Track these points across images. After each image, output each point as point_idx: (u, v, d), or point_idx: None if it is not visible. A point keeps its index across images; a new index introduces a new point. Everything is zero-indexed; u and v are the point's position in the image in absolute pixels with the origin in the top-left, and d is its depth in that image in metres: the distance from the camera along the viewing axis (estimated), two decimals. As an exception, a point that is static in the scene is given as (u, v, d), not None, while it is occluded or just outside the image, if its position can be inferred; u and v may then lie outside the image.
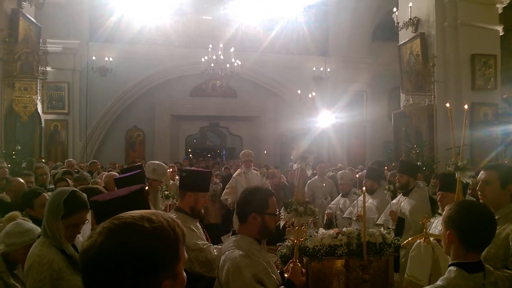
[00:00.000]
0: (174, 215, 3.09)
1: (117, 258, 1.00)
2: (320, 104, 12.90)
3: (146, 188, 3.69)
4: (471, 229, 1.88)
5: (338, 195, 6.73)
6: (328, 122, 12.67)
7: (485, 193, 2.76)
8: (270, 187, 6.04)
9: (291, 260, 2.53)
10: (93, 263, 1.02)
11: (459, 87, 8.88)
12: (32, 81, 9.17)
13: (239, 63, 12.04)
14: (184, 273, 1.16)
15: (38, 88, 9.31)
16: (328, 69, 14.20)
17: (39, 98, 9.52)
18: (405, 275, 2.93)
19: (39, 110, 11.11)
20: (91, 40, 12.67)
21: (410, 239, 2.95)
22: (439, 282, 1.86)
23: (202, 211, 3.26)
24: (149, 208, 1.93)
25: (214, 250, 2.99)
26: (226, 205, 7.78)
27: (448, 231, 1.93)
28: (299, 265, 2.48)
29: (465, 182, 3.08)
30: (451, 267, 1.89)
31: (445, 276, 1.88)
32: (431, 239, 2.86)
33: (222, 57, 11.73)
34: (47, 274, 2.21)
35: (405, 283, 2.89)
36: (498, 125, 8.04)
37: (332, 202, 6.73)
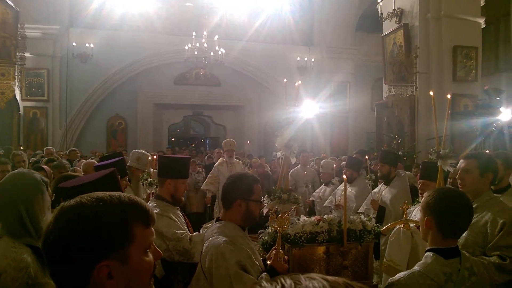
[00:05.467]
0: (154, 203, 3.08)
1: (53, 239, 1.01)
2: (304, 94, 12.92)
3: (127, 178, 3.63)
4: (448, 216, 1.90)
5: (321, 184, 6.79)
6: (312, 112, 12.68)
7: (465, 182, 2.79)
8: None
9: (273, 247, 2.53)
10: (42, 246, 1.05)
11: (440, 78, 8.98)
12: (9, 67, 8.92)
13: (223, 51, 11.92)
14: (147, 259, 1.10)
15: (16, 74, 9.07)
16: (313, 59, 14.19)
17: (17, 84, 9.28)
18: (384, 259, 2.96)
19: (17, 97, 10.86)
20: (71, 26, 12.34)
21: (389, 224, 2.99)
22: (416, 267, 1.88)
23: (183, 198, 3.23)
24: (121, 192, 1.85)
25: (191, 239, 2.97)
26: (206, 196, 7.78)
27: (426, 218, 1.96)
28: (282, 252, 2.48)
29: (446, 170, 3.12)
30: (428, 253, 1.92)
31: (422, 261, 1.91)
32: (411, 225, 2.90)
33: (205, 45, 11.60)
34: (23, 280, 1.93)
35: (384, 268, 2.93)
36: (478, 116, 8.14)
37: (316, 191, 6.79)
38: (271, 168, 9.62)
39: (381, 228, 2.89)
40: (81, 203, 1.05)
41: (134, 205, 1.09)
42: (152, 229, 1.13)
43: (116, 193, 1.09)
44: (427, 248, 1.96)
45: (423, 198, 2.05)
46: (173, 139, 18.89)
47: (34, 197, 2.10)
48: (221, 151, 8.95)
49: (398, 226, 2.92)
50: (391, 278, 1.91)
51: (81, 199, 1.06)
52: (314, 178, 7.55)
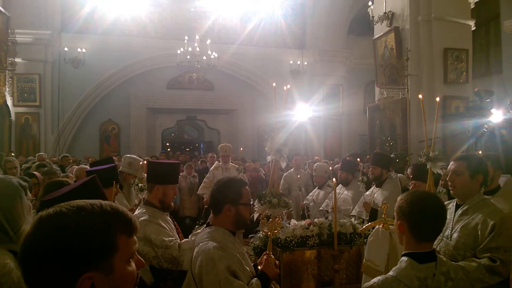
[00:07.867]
0: (143, 210, 3.05)
1: (32, 251, 0.97)
2: (297, 98, 12.94)
3: (117, 184, 3.60)
4: (420, 220, 1.85)
5: (314, 187, 6.78)
6: (305, 115, 12.72)
7: (455, 183, 2.79)
8: (247, 181, 6.02)
9: (264, 252, 2.52)
10: (20, 258, 0.99)
11: (432, 81, 9.03)
12: (0, 73, 8.86)
13: (216, 55, 11.92)
14: (130, 268, 1.07)
15: (6, 80, 9.02)
16: (305, 63, 14.24)
17: (7, 90, 9.22)
18: (364, 260, 2.94)
19: (9, 103, 10.79)
20: (63, 31, 12.29)
21: (368, 224, 2.97)
22: (391, 273, 1.84)
23: (172, 204, 3.20)
24: (105, 199, 1.81)
25: (180, 246, 2.95)
26: (203, 199, 7.73)
27: (399, 222, 1.91)
28: (273, 257, 2.47)
29: (436, 172, 3.12)
30: (403, 257, 1.87)
31: (397, 266, 1.87)
32: (390, 225, 2.88)
33: (198, 49, 11.60)
34: (6, 286, 1.89)
35: (363, 268, 2.90)
36: (470, 118, 8.18)
37: (310, 194, 6.78)
38: (265, 172, 9.61)
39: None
40: (60, 213, 1.00)
41: (116, 214, 1.06)
42: (135, 238, 1.10)
43: (97, 201, 1.06)
44: (402, 253, 1.91)
45: (396, 202, 1.99)
46: (167, 144, 18.82)
47: (13, 202, 2.07)
48: (214, 155, 8.95)
49: (377, 226, 2.90)
50: (366, 283, 1.87)
51: (61, 208, 1.01)
52: (307, 182, 7.55)
